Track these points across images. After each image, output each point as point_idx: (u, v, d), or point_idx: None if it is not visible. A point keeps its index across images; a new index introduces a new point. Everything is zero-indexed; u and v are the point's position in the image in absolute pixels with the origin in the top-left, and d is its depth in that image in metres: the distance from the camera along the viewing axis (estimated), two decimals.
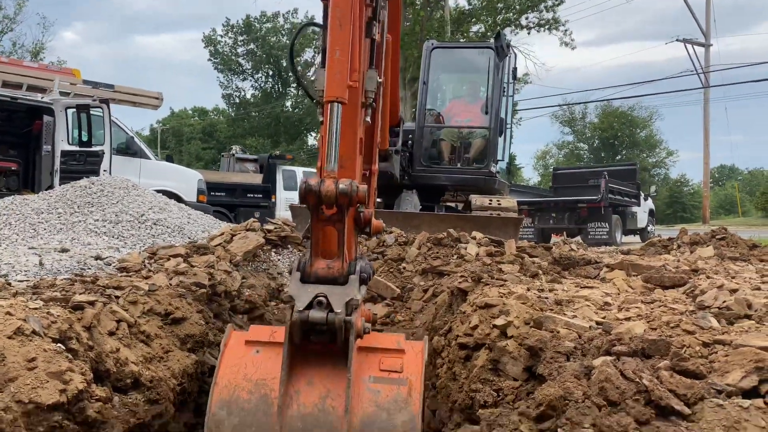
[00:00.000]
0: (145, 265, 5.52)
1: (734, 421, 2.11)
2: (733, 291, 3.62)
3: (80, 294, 3.78)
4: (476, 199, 9.89)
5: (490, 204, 9.66)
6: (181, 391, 4.04)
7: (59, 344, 3.00)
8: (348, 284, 3.63)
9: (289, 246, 8.29)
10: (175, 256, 5.97)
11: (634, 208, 25.76)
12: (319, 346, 3.64)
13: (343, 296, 3.54)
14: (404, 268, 7.87)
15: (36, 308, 3.17)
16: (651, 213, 28.68)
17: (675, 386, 2.33)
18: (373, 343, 3.79)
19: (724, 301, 3.46)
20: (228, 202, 19.35)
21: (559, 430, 2.14)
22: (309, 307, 3.45)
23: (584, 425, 2.11)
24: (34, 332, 2.92)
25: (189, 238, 7.93)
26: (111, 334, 3.71)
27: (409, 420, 3.46)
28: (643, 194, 26.68)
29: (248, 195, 20.33)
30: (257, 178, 22.09)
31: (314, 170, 3.80)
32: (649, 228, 27.38)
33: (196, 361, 4.35)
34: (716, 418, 2.14)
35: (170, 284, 4.89)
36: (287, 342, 3.54)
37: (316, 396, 3.56)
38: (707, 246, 7.01)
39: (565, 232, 11.85)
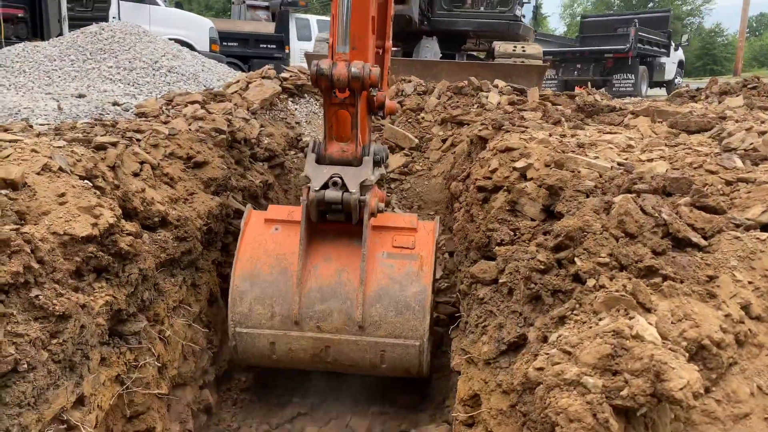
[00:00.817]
0: (162, 111, 5.49)
1: (750, 251, 2.15)
2: (762, 133, 3.54)
3: (101, 136, 3.80)
4: (499, 46, 9.49)
5: (514, 51, 9.29)
6: (207, 230, 4.18)
7: (86, 181, 3.06)
8: (362, 165, 3.74)
9: (305, 95, 8.15)
10: (192, 102, 5.92)
11: (663, 59, 24.72)
12: (335, 225, 3.84)
13: (358, 177, 3.67)
14: (423, 117, 7.76)
15: (60, 147, 3.20)
16: (680, 64, 27.54)
17: (694, 220, 2.35)
18: (387, 222, 3.99)
19: (752, 143, 3.39)
20: (241, 53, 18.81)
21: (576, 259, 2.19)
22: (325, 187, 3.62)
23: (601, 255, 2.16)
24: (60, 169, 2.97)
25: (204, 86, 7.81)
26: (135, 175, 3.77)
27: (420, 291, 3.73)
28: (673, 44, 25.47)
29: (261, 46, 19.71)
30: (269, 27, 21.26)
31: (329, 19, 3.67)
32: (676, 80, 26.43)
33: (220, 204, 4.46)
34: (732, 249, 2.18)
35: (189, 129, 4.89)
36: (304, 220, 3.74)
37: (332, 270, 3.80)
38: (737, 96, 6.77)
39: (589, 84, 11.46)
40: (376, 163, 3.84)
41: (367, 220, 3.71)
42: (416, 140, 7.21)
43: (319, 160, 3.70)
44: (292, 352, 3.83)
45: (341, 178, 3.61)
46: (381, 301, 3.73)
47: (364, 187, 3.64)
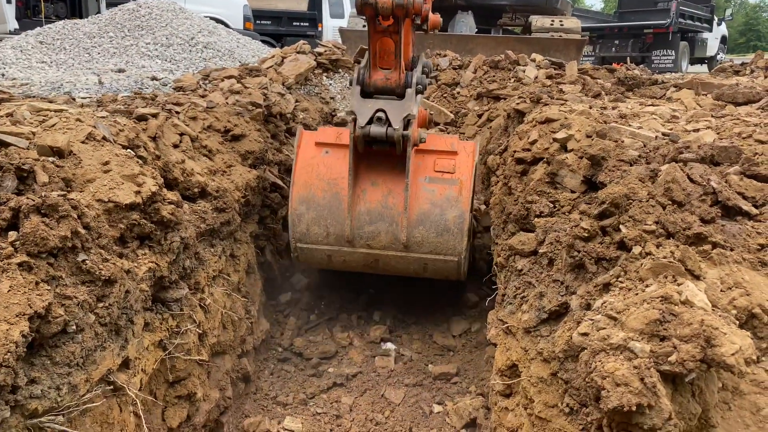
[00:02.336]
0: (200, 85, 5.54)
1: None
2: None
3: (142, 108, 3.85)
4: (537, 20, 9.30)
5: (551, 25, 9.09)
6: (245, 203, 4.22)
7: (129, 150, 3.11)
8: (405, 98, 3.90)
9: (340, 70, 8.13)
10: (229, 77, 5.96)
11: (705, 34, 23.92)
12: (380, 151, 4.07)
13: (401, 111, 3.85)
14: (458, 92, 7.68)
15: (103, 117, 3.25)
16: (723, 40, 26.62)
17: (744, 189, 2.28)
18: (429, 146, 4.23)
19: None
20: (274, 31, 18.82)
21: (621, 226, 2.15)
22: (369, 122, 3.84)
23: (647, 222, 2.12)
24: (104, 138, 3.02)
25: (239, 61, 7.84)
26: (175, 146, 3.82)
27: (459, 215, 4.10)
28: (716, 19, 24.62)
29: (294, 24, 19.68)
30: (302, 4, 21.20)
31: None
32: (718, 56, 25.57)
33: (257, 177, 4.50)
34: None
35: (226, 103, 4.93)
36: (352, 151, 4.03)
37: (379, 194, 4.17)
38: None
39: (628, 60, 11.16)
40: (419, 92, 3.97)
41: (410, 152, 3.98)
42: (452, 115, 7.15)
43: (364, 90, 3.91)
44: (346, 263, 4.37)
45: (385, 113, 3.82)
46: (423, 224, 4.11)
47: (407, 122, 3.83)
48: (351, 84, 3.96)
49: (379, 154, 4.13)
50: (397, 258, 4.23)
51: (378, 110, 3.82)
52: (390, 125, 3.82)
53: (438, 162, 4.19)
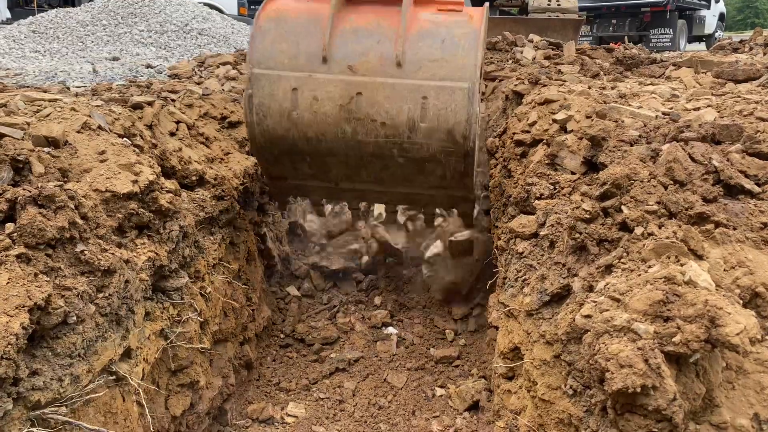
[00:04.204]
0: (195, 72, 5.50)
1: None
2: None
3: (137, 96, 3.81)
4: (533, 0, 9.22)
5: (548, 5, 9.01)
6: (244, 190, 4.20)
7: (125, 139, 3.08)
8: None
9: None
10: (224, 63, 5.91)
11: (703, 12, 23.71)
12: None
13: None
14: None
15: (98, 106, 3.22)
16: (721, 17, 26.39)
17: (746, 167, 2.26)
18: None
19: None
20: None
21: (623, 207, 2.13)
22: None
23: (649, 202, 2.10)
24: (100, 127, 2.99)
25: (235, 47, 7.78)
26: (172, 134, 3.79)
27: (470, 32, 3.19)
28: None
29: None
30: None
31: None
32: (717, 34, 25.37)
33: (255, 163, 4.47)
34: None
35: (222, 89, 4.89)
36: None
37: (370, 18, 3.32)
38: None
39: (625, 39, 11.04)
40: None
41: None
42: None
43: None
44: (316, 103, 3.23)
45: None
46: (424, 39, 3.21)
47: None
48: None
49: (371, 2, 3.42)
50: (387, 89, 3.16)
51: None
52: None
53: (441, 7, 3.43)
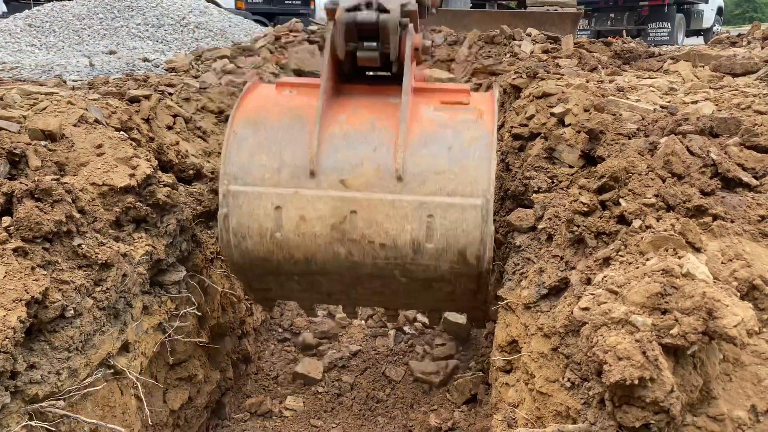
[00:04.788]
0: (192, 66, 5.48)
1: None
2: None
3: (134, 89, 3.80)
4: None
5: None
6: None
7: (122, 132, 3.07)
8: None
9: None
10: (221, 57, 5.89)
11: (701, 6, 23.69)
12: (367, 86, 2.99)
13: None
14: (453, 69, 7.61)
15: (95, 99, 3.21)
16: (719, 11, 26.37)
17: (744, 160, 2.26)
18: (434, 85, 3.05)
19: None
20: (266, 9, 18.57)
21: (620, 200, 2.14)
22: (356, 9, 2.72)
23: (647, 195, 2.10)
24: (96, 121, 2.98)
25: (232, 41, 7.75)
26: (169, 128, 3.78)
27: (481, 136, 2.70)
28: None
29: (286, 2, 19.43)
30: None
31: None
32: (714, 28, 25.35)
33: None
34: None
35: (220, 83, 4.88)
36: (329, 58, 2.79)
37: (364, 118, 2.84)
38: None
39: (624, 33, 11.04)
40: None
41: (410, 58, 2.79)
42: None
43: None
44: (304, 224, 2.74)
45: None
46: (428, 146, 2.72)
47: (405, 11, 2.75)
48: None
49: (366, 89, 3.01)
50: (386, 206, 2.67)
51: None
52: (383, 11, 2.69)
53: (446, 97, 2.94)
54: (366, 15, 2.68)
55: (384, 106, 2.86)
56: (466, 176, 2.64)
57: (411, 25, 2.76)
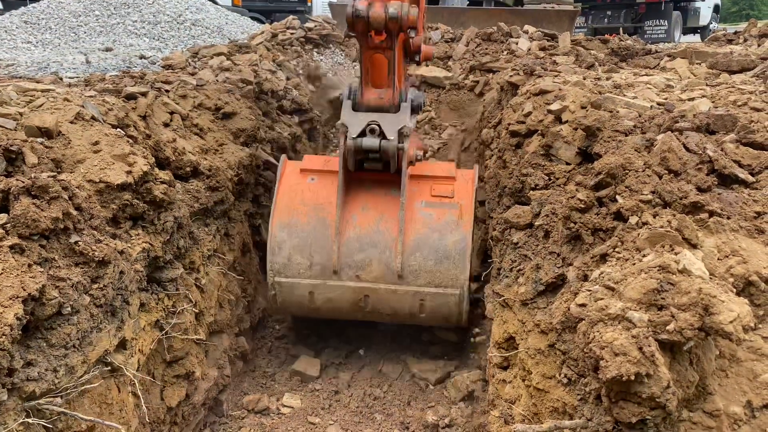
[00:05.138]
0: (189, 63, 5.46)
1: None
2: None
3: (131, 86, 3.79)
4: None
5: None
6: (238, 181, 4.19)
7: (118, 129, 3.07)
8: (400, 112, 3.68)
9: (330, 45, 8.03)
10: (218, 54, 5.87)
11: (698, 3, 23.70)
12: (372, 174, 3.86)
13: (396, 123, 3.63)
14: (450, 66, 7.60)
15: (91, 96, 3.20)
16: (716, 9, 26.39)
17: (740, 157, 2.27)
18: (425, 171, 3.99)
19: None
20: (263, 7, 18.51)
21: (617, 197, 2.14)
22: (362, 134, 3.60)
23: (644, 192, 2.11)
24: (93, 118, 2.97)
25: (228, 38, 7.74)
26: (165, 125, 3.77)
27: (460, 240, 3.76)
28: None
29: None
30: None
31: None
32: (711, 26, 25.36)
33: (250, 155, 4.46)
34: None
35: (216, 80, 4.86)
36: (342, 169, 3.75)
37: (371, 219, 3.84)
38: None
39: (621, 30, 11.05)
40: (414, 110, 3.77)
41: (406, 168, 3.72)
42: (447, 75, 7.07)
43: (356, 108, 3.67)
44: (331, 301, 3.88)
45: (379, 125, 3.58)
46: (420, 250, 3.76)
47: (402, 135, 3.61)
48: (342, 98, 3.72)
49: (371, 180, 3.91)
50: (390, 293, 3.79)
51: (371, 122, 3.59)
52: (384, 137, 3.58)
53: (435, 187, 3.92)
54: (370, 142, 3.57)
55: (386, 202, 3.86)
56: (448, 274, 3.75)
57: (406, 143, 3.61)
